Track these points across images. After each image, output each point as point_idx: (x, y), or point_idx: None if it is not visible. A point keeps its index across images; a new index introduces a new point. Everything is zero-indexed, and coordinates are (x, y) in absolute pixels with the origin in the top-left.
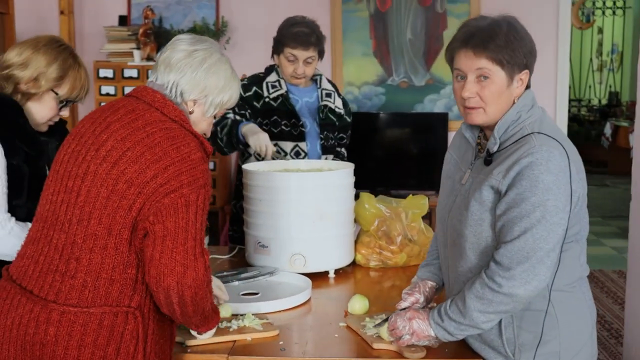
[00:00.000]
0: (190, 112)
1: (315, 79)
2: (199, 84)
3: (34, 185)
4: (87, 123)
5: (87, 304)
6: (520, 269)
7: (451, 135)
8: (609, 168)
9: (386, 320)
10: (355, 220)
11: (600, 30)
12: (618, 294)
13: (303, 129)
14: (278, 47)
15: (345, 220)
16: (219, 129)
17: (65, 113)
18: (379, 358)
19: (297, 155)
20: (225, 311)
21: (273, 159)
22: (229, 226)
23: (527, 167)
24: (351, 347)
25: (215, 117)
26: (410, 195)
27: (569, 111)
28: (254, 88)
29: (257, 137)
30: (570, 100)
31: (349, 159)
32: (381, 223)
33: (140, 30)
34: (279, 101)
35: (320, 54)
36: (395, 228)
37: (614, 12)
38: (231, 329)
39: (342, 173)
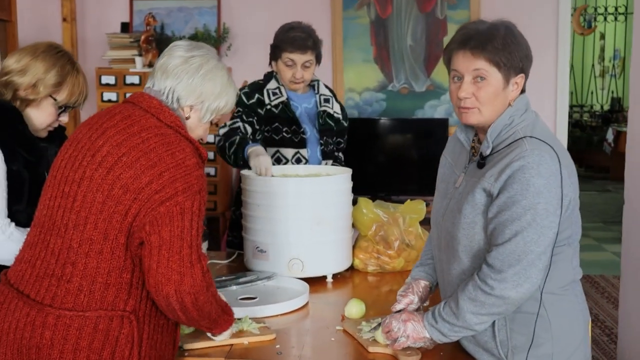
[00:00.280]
0: (187, 118)
1: (313, 85)
2: (196, 90)
3: (34, 191)
4: (84, 129)
5: (83, 308)
6: (512, 272)
7: None
8: (611, 173)
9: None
10: (353, 225)
11: (603, 36)
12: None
13: (304, 136)
14: (276, 52)
15: (343, 225)
16: (227, 145)
17: (64, 119)
18: None
19: (298, 162)
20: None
21: None
22: (228, 232)
23: (519, 170)
24: (347, 351)
25: (211, 123)
26: (408, 200)
27: (571, 117)
28: (256, 95)
29: (258, 159)
30: (572, 106)
31: (349, 165)
32: (379, 228)
33: (142, 37)
34: (280, 108)
35: (318, 58)
36: (392, 233)
37: (615, 18)
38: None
39: (339, 178)
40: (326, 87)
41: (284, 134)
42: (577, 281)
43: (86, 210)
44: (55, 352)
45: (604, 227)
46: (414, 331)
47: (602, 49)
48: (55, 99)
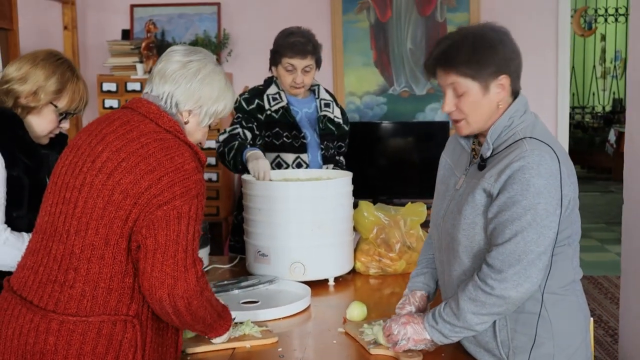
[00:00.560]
0: (186, 123)
1: (313, 90)
2: (194, 94)
3: (35, 197)
4: (84, 135)
5: (86, 313)
6: (512, 272)
7: None
8: (614, 174)
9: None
10: (355, 229)
11: (603, 38)
12: None
13: (304, 141)
14: (276, 58)
15: (344, 229)
16: (226, 150)
17: (65, 125)
18: None
19: (298, 166)
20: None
21: None
22: (230, 237)
23: (519, 170)
24: (349, 353)
25: (210, 127)
26: (409, 203)
27: (573, 118)
28: (256, 100)
29: (256, 163)
30: (574, 108)
31: (351, 169)
32: (380, 231)
33: (143, 44)
34: (280, 113)
35: (318, 63)
36: (394, 235)
37: (616, 19)
38: (230, 337)
39: (340, 182)
40: (326, 91)
41: (285, 139)
42: (578, 281)
43: (87, 216)
44: (59, 357)
45: (606, 228)
46: (414, 333)
47: (603, 50)
48: (56, 106)
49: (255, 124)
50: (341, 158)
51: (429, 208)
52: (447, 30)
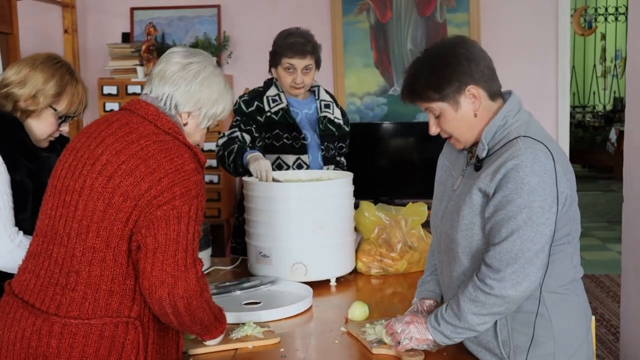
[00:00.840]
0: (184, 124)
1: (313, 90)
2: (193, 96)
3: (38, 200)
4: (83, 138)
5: (88, 316)
6: (510, 271)
7: None
8: (615, 173)
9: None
10: (356, 229)
11: (604, 37)
12: None
13: (304, 142)
14: (275, 59)
15: (345, 229)
16: (226, 154)
17: (65, 128)
18: None
19: (299, 167)
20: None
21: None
22: (232, 239)
23: (513, 169)
24: (351, 352)
25: (208, 129)
26: (410, 203)
27: (574, 117)
28: (256, 102)
29: (258, 164)
30: (574, 107)
31: (352, 169)
32: (381, 231)
33: (143, 47)
34: (280, 115)
35: (317, 63)
36: (395, 235)
37: (616, 18)
38: (233, 337)
39: (341, 182)
40: (326, 92)
41: (285, 140)
42: (579, 280)
43: (88, 219)
44: None
45: (607, 227)
46: (417, 333)
47: (604, 50)
48: (55, 109)
49: (254, 126)
50: (342, 159)
51: (429, 208)
52: (447, 30)
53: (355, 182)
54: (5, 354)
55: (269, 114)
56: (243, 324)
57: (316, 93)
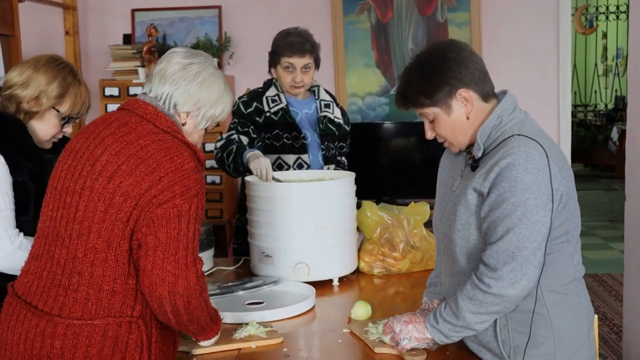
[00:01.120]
0: (183, 124)
1: (313, 90)
2: (193, 96)
3: (40, 202)
4: (82, 138)
5: (91, 316)
6: (508, 269)
7: None
8: (617, 172)
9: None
10: (358, 229)
11: (605, 35)
12: None
13: (304, 141)
14: (274, 58)
15: (347, 229)
16: (225, 155)
17: (68, 130)
18: None
19: (299, 167)
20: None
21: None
22: (234, 239)
23: (506, 168)
24: (354, 352)
25: (206, 130)
26: (412, 203)
27: (576, 116)
28: (255, 103)
29: (258, 162)
30: (576, 106)
31: (354, 169)
32: (383, 230)
33: (145, 48)
34: (279, 115)
35: (317, 62)
36: (397, 235)
37: (617, 17)
38: (236, 337)
39: (343, 182)
40: (326, 92)
41: (285, 140)
42: (580, 279)
43: (89, 219)
44: None
45: (610, 226)
46: (416, 332)
47: (605, 48)
48: (58, 111)
49: (252, 127)
50: (343, 158)
51: (432, 207)
52: (448, 30)
53: (357, 182)
54: (9, 355)
55: (268, 114)
56: (246, 324)
57: (316, 93)
